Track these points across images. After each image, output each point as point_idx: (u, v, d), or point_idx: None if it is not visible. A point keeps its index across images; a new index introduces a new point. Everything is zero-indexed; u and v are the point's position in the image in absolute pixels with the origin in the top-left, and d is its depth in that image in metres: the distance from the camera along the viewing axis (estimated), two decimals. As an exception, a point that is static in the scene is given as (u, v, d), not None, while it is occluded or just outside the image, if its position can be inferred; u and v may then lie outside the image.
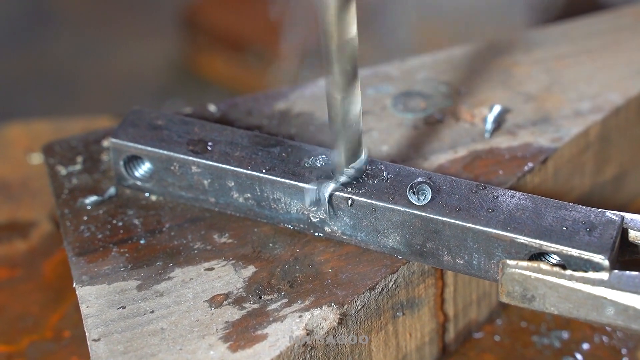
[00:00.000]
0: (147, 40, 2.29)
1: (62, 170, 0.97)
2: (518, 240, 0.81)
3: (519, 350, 0.96)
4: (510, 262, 0.81)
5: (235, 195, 0.89)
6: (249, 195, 0.88)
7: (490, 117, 0.98)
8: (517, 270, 0.81)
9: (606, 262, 0.79)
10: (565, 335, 0.97)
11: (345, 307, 0.83)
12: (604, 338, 0.97)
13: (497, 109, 0.98)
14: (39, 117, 1.33)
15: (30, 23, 2.22)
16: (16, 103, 2.05)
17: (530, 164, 0.94)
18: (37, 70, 2.14)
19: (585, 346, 0.96)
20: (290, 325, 0.81)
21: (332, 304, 0.83)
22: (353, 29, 0.78)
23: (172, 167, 0.90)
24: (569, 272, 0.79)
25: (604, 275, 0.79)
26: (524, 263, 0.80)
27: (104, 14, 2.34)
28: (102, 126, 1.16)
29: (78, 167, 0.97)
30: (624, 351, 0.96)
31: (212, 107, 1.02)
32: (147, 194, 0.93)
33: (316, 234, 0.88)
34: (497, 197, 0.84)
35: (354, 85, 0.81)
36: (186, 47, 2.32)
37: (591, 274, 0.79)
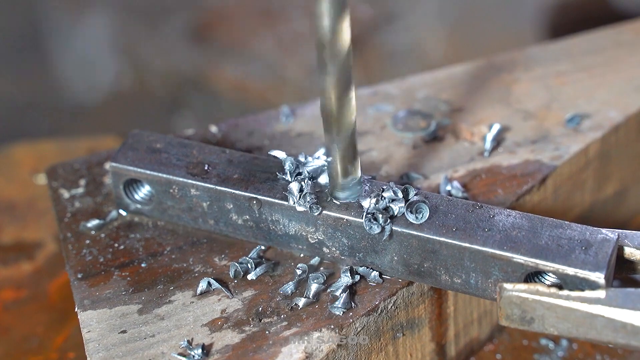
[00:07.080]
0: (157, 51, 2.30)
1: (65, 194, 0.97)
2: (514, 259, 0.81)
3: (521, 368, 0.96)
4: (507, 285, 0.81)
5: (234, 217, 0.89)
6: (247, 217, 0.89)
7: (490, 136, 0.98)
8: (514, 293, 0.81)
9: (602, 280, 0.79)
10: (567, 353, 0.97)
11: (345, 329, 0.83)
12: (606, 356, 0.97)
13: (496, 127, 0.98)
14: (47, 135, 1.34)
15: (34, 39, 2.23)
16: (26, 121, 2.06)
17: (530, 182, 0.94)
18: (45, 84, 2.15)
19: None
20: (290, 349, 0.82)
21: (332, 327, 0.83)
22: (347, 38, 0.78)
23: (172, 190, 0.90)
24: (565, 292, 0.79)
25: (600, 294, 0.79)
26: (522, 286, 0.80)
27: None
28: (107, 146, 1.17)
29: (81, 190, 0.98)
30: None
31: (213, 128, 1.03)
32: (147, 217, 0.93)
33: (315, 256, 0.88)
34: (493, 216, 0.84)
35: (348, 95, 0.80)
36: (196, 59, 2.33)
37: (588, 293, 0.79)
